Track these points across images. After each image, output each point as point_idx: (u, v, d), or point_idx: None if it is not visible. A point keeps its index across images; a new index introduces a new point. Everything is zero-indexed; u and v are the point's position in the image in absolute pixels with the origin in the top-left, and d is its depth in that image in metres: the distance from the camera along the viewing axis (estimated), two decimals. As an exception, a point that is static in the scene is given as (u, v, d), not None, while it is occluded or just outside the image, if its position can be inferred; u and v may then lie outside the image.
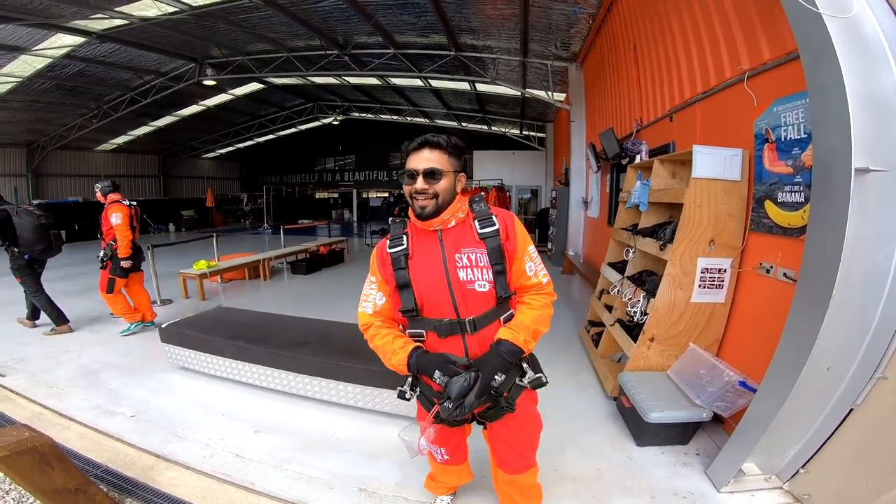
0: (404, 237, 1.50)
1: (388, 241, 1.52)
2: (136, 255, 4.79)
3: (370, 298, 1.57)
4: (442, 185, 1.40)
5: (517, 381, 1.50)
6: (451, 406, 1.34)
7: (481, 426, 1.69)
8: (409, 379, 1.55)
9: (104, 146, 17.23)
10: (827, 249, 1.71)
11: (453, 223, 1.47)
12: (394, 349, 1.49)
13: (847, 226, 1.62)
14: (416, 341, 1.50)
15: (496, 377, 1.40)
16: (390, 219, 1.61)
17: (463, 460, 1.96)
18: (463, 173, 1.50)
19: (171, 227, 17.88)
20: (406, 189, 1.44)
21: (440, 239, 1.46)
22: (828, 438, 1.98)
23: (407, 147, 1.45)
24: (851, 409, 1.89)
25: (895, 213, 1.65)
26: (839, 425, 1.94)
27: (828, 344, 1.76)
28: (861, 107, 1.58)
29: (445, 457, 1.82)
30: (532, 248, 1.52)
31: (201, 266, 6.49)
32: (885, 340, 1.76)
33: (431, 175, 1.39)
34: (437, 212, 1.42)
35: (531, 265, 1.51)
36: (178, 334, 3.61)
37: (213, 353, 3.43)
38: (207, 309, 4.33)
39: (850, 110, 1.57)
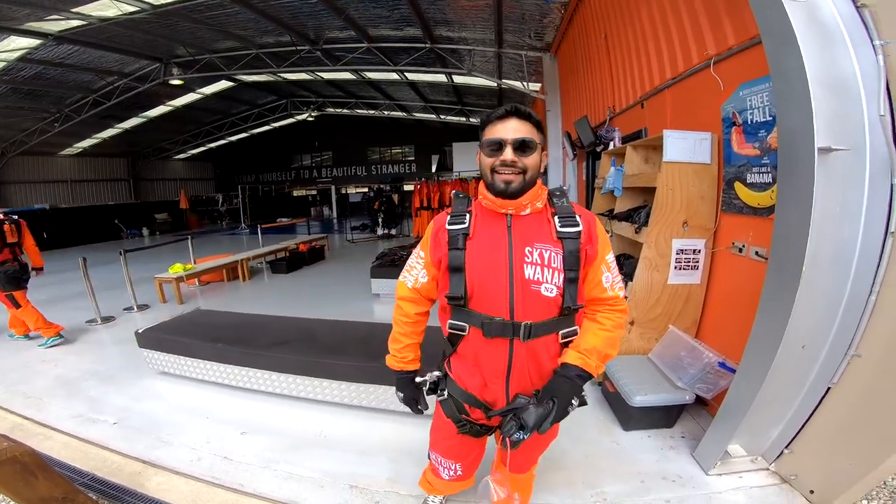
0: (467, 215, 1.33)
1: (447, 217, 1.35)
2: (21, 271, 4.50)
3: (413, 273, 1.45)
4: (532, 159, 1.24)
5: None
6: (526, 436, 1.28)
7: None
8: (435, 376, 1.48)
9: (69, 150, 16.61)
10: (795, 227, 1.77)
11: (528, 211, 1.30)
12: (396, 354, 1.52)
13: (813, 204, 1.67)
14: (454, 334, 1.36)
15: (573, 403, 1.32)
16: (452, 192, 1.52)
17: (472, 475, 1.79)
18: (546, 151, 1.36)
19: (145, 231, 17.40)
20: (487, 162, 1.26)
21: (509, 226, 1.29)
22: (809, 418, 2.02)
23: (490, 115, 1.27)
24: (829, 388, 1.93)
25: (859, 190, 1.70)
26: (818, 404, 1.98)
27: (801, 321, 1.81)
28: (822, 89, 1.63)
29: (458, 473, 1.68)
30: (611, 257, 1.36)
31: (177, 269, 6.35)
32: (856, 316, 1.80)
33: (522, 146, 1.22)
34: (522, 189, 1.25)
35: (608, 276, 1.34)
36: (155, 339, 3.54)
37: (193, 357, 3.37)
38: (185, 312, 4.25)
39: (811, 92, 1.62)
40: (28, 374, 3.84)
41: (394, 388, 1.61)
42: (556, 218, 1.29)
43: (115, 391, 3.45)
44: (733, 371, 2.31)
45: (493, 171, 1.25)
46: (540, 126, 1.28)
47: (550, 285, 1.26)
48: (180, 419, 3.00)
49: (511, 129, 1.23)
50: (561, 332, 1.32)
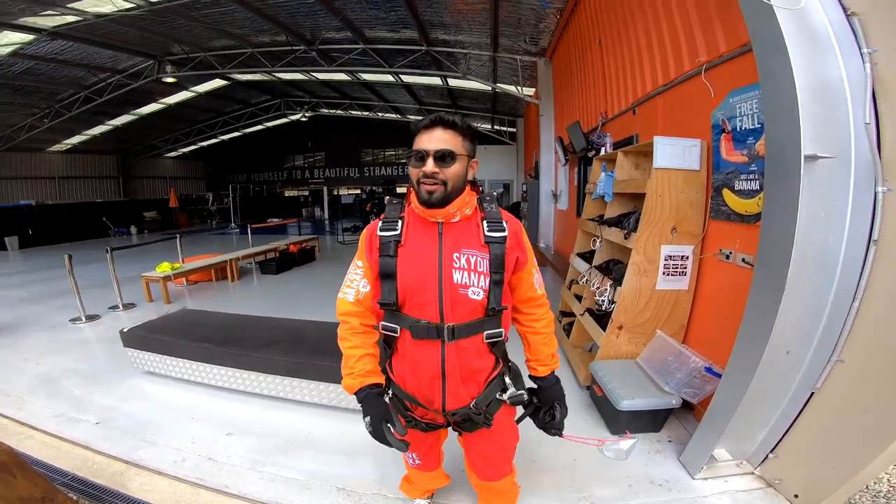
0: (399, 222, 1.35)
1: (379, 223, 1.38)
2: None
3: (353, 285, 1.43)
4: (453, 170, 1.26)
5: (497, 395, 1.45)
6: (561, 432, 1.50)
7: (457, 432, 1.62)
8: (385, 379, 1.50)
9: (57, 147, 16.41)
10: (781, 234, 1.79)
11: (458, 218, 1.33)
12: (352, 369, 1.39)
13: (798, 211, 1.69)
14: (387, 335, 1.40)
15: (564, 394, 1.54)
16: (386, 198, 1.49)
17: (435, 467, 1.86)
18: (476, 160, 1.36)
19: (133, 229, 17.22)
20: (413, 172, 1.29)
21: (440, 233, 1.33)
22: (793, 423, 2.04)
23: (417, 125, 1.29)
24: (813, 393, 1.95)
25: (844, 198, 1.72)
26: (802, 409, 2.00)
27: (786, 327, 1.83)
28: (809, 96, 1.65)
29: (417, 461, 1.76)
30: (534, 258, 1.46)
31: (164, 268, 6.27)
32: (839, 323, 1.82)
33: (443, 158, 1.24)
34: (445, 199, 1.28)
35: (537, 277, 1.45)
36: (141, 338, 3.49)
37: (179, 357, 3.33)
38: (172, 312, 4.20)
39: (798, 100, 1.64)
40: (9, 372, 3.77)
41: None
42: (484, 223, 1.34)
43: (99, 391, 3.40)
44: (719, 376, 2.33)
45: (418, 181, 1.29)
46: (471, 133, 1.31)
47: (477, 288, 1.30)
48: (165, 419, 2.96)
49: (435, 139, 1.25)
50: (485, 333, 1.36)
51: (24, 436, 2.78)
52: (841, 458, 1.85)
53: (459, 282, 1.30)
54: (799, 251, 1.73)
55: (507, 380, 1.46)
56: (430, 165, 1.25)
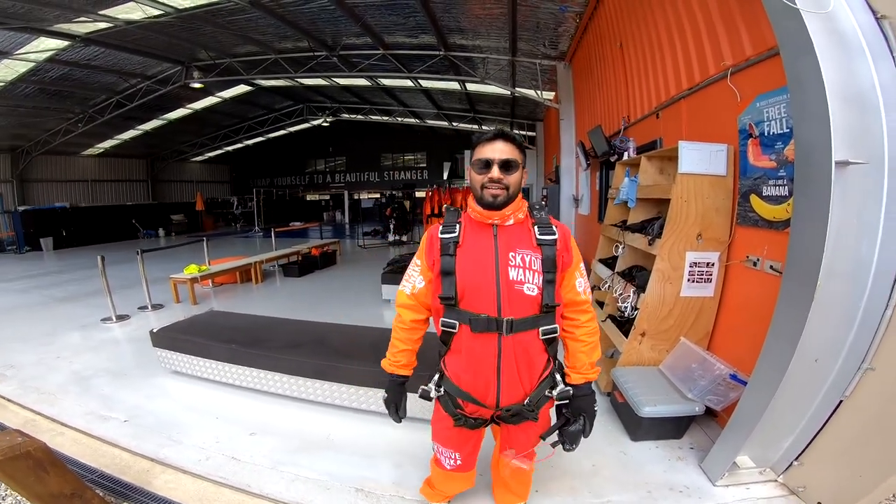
0: (457, 226, 1.49)
1: (440, 227, 1.52)
2: None
3: (411, 280, 1.60)
4: (515, 177, 1.42)
5: (546, 392, 1.54)
6: (575, 448, 1.56)
7: (496, 423, 1.68)
8: (436, 377, 1.59)
9: (90, 151, 16.99)
10: (810, 242, 1.75)
11: (511, 221, 1.47)
12: (390, 358, 1.66)
13: (829, 218, 1.65)
14: (446, 331, 1.50)
15: (595, 410, 1.59)
16: (443, 207, 1.65)
17: (473, 466, 1.84)
18: (526, 169, 1.50)
19: (161, 231, 17.73)
20: (477, 178, 1.44)
21: (494, 234, 1.45)
22: (819, 430, 2.01)
23: (479, 137, 1.45)
24: (841, 401, 1.91)
25: (876, 204, 1.69)
26: (830, 417, 1.96)
27: (814, 335, 1.79)
28: (840, 101, 1.62)
29: (458, 462, 1.74)
30: (583, 266, 1.56)
31: (192, 270, 6.44)
32: (871, 331, 1.78)
33: (507, 166, 1.40)
34: (507, 202, 1.42)
35: (581, 281, 1.54)
36: (169, 339, 3.59)
37: (206, 357, 3.41)
38: (199, 313, 4.31)
39: (828, 104, 1.61)
40: (43, 370, 3.92)
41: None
42: (535, 227, 1.47)
43: (128, 389, 3.51)
44: (744, 383, 2.28)
45: (482, 186, 1.42)
46: (523, 148, 1.46)
47: (532, 285, 1.42)
48: (190, 419, 3.04)
49: (498, 150, 1.40)
50: (541, 329, 1.46)
51: (56, 432, 2.88)
52: (868, 465, 1.81)
53: (515, 278, 1.41)
54: (829, 259, 1.69)
55: (558, 377, 1.57)
56: (496, 172, 1.39)
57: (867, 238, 1.72)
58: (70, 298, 6.76)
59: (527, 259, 1.42)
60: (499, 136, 1.42)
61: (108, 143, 16.81)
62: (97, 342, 4.68)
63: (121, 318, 5.46)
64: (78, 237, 14.63)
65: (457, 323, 1.46)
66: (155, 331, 3.66)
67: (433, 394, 1.57)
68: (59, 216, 14.42)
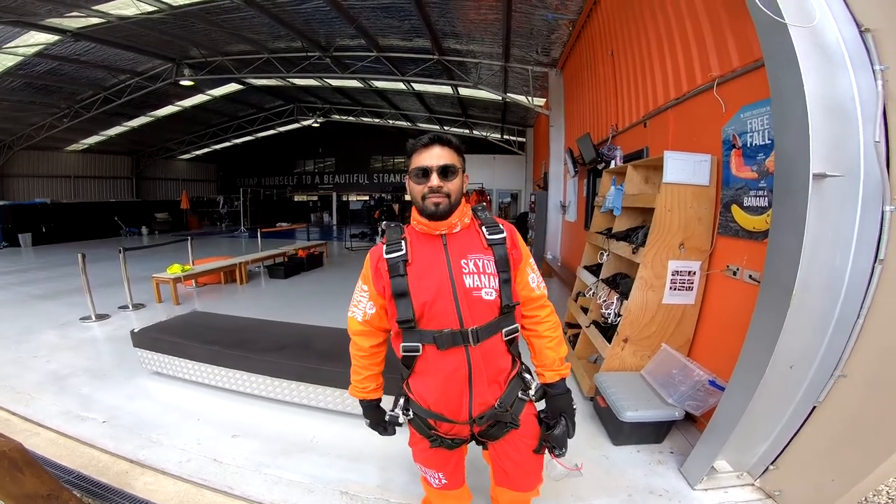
0: (402, 242, 1.41)
1: (383, 247, 1.42)
2: None
3: (360, 306, 1.50)
4: (455, 183, 1.35)
5: (519, 394, 1.47)
6: (565, 451, 1.51)
7: (480, 446, 1.62)
8: (402, 401, 1.51)
9: (74, 146, 16.72)
10: (787, 252, 1.79)
11: (459, 228, 1.41)
12: (356, 385, 1.58)
13: (806, 229, 1.70)
14: (407, 356, 1.41)
15: (574, 408, 1.56)
16: (383, 223, 1.53)
17: (461, 484, 1.74)
18: (467, 174, 1.45)
19: (144, 229, 17.45)
20: (416, 189, 1.36)
21: (444, 244, 1.39)
22: (794, 435, 2.05)
23: (414, 144, 1.38)
24: (815, 407, 1.96)
25: (851, 217, 1.73)
26: (804, 422, 2.01)
27: (790, 343, 1.84)
28: (820, 113, 1.66)
29: (444, 481, 1.64)
30: (532, 261, 1.52)
31: (175, 270, 6.36)
32: (843, 339, 1.83)
33: (446, 172, 1.33)
34: (450, 210, 1.36)
35: (534, 276, 1.50)
36: (151, 339, 3.54)
37: (188, 358, 3.37)
38: (182, 313, 4.25)
39: (809, 117, 1.65)
40: (19, 368, 3.83)
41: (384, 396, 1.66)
42: (483, 228, 1.43)
43: (107, 389, 3.44)
44: (723, 389, 2.33)
45: (423, 197, 1.35)
46: (461, 151, 1.40)
47: (489, 289, 1.36)
48: (171, 420, 2.99)
49: (435, 156, 1.34)
50: (504, 330, 1.41)
51: (31, 432, 2.82)
52: (840, 469, 1.86)
53: (472, 285, 1.35)
54: (805, 269, 1.73)
55: (528, 376, 1.52)
56: (435, 180, 1.33)
57: (841, 249, 1.76)
58: (48, 296, 6.62)
59: (479, 263, 1.37)
60: (435, 141, 1.35)
61: (92, 140, 16.57)
62: (76, 341, 4.58)
63: (101, 317, 5.36)
64: (58, 234, 14.35)
65: (420, 345, 1.38)
66: (136, 331, 3.61)
67: (402, 419, 1.50)
68: (39, 212, 14.12)
